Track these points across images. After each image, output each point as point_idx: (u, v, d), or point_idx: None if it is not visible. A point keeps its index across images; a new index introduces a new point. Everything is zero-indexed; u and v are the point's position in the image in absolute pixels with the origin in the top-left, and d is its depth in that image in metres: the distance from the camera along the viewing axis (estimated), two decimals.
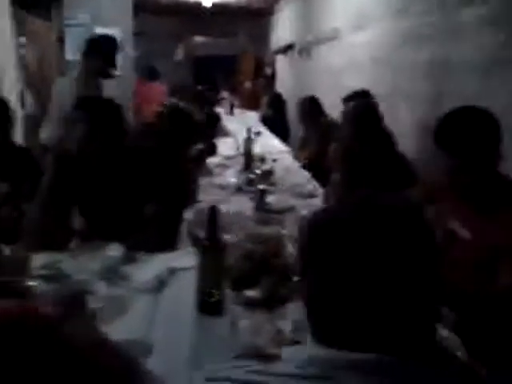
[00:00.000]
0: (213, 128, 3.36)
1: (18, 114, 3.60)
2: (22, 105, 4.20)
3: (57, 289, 1.46)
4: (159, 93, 6.24)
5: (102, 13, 5.41)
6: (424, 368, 0.60)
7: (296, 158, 3.88)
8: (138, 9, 5.67)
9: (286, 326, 1.26)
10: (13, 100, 3.52)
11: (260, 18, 9.63)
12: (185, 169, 2.86)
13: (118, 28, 5.43)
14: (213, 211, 1.33)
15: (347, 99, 3.14)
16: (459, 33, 2.87)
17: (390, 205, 0.66)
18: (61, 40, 5.58)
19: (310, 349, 0.67)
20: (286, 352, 0.72)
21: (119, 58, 3.68)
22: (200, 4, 8.32)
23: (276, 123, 6.42)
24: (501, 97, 2.48)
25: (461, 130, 1.54)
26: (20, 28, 4.22)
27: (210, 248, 1.34)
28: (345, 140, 2.56)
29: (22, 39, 4.73)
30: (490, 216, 1.54)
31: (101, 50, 3.16)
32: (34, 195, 1.85)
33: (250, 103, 7.82)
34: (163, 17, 9.17)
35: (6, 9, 3.48)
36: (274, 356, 1.04)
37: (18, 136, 3.51)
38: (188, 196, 2.45)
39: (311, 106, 3.89)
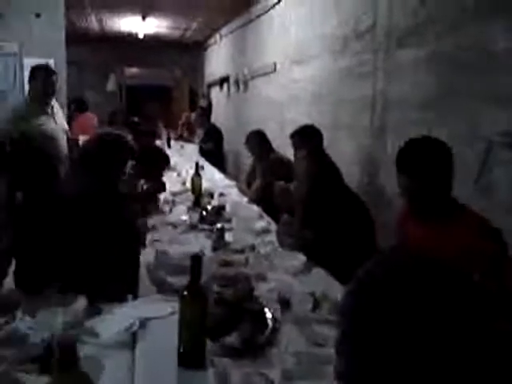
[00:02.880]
0: (162, 167, 3.29)
1: None
2: None
3: (14, 354, 1.33)
4: (91, 124, 6.13)
5: (32, 42, 5.19)
6: None
7: (242, 191, 3.88)
8: (69, 38, 5.48)
9: (275, 375, 1.23)
10: None
11: (194, 51, 9.70)
12: (132, 207, 2.76)
13: (50, 58, 5.23)
14: (195, 259, 1.29)
15: (295, 134, 3.20)
16: (396, 71, 3.07)
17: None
18: None
19: None
20: None
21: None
22: (132, 35, 8.26)
23: (214, 155, 6.42)
24: (436, 128, 2.67)
25: (419, 154, 1.70)
26: None
27: (194, 298, 1.28)
28: (302, 183, 2.56)
29: None
30: (447, 232, 1.63)
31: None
32: None
33: (187, 135, 7.78)
34: (94, 47, 8.97)
35: None
36: None
37: None
38: (139, 236, 2.36)
39: (262, 140, 3.95)
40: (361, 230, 2.32)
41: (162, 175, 3.47)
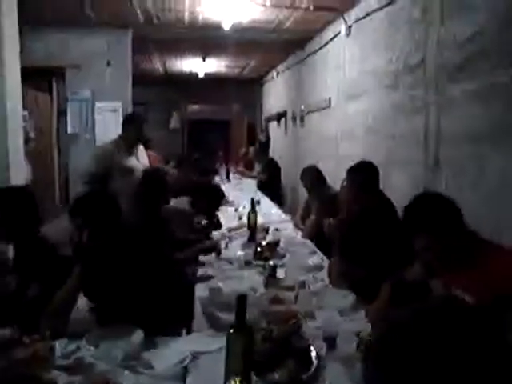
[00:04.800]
0: (217, 203, 3.45)
1: (22, 182, 3.79)
2: None
3: (80, 380, 1.47)
4: (153, 161, 6.46)
5: (102, 87, 5.64)
6: None
7: (297, 226, 3.95)
8: (135, 79, 5.93)
9: None
10: (18, 169, 3.65)
11: (252, 87, 10.03)
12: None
13: (118, 101, 5.66)
14: (241, 300, 1.37)
15: (352, 170, 3.24)
16: (448, 106, 3.06)
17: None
18: (62, 113, 5.76)
19: None
20: None
21: None
22: (193, 74, 8.70)
23: (271, 188, 6.54)
24: (491, 163, 2.64)
25: (418, 215, 1.80)
26: None
27: (239, 336, 1.36)
28: (343, 212, 2.64)
29: (24, 112, 4.89)
30: (474, 272, 1.65)
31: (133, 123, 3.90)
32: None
33: (245, 169, 7.99)
34: (158, 87, 9.54)
35: (18, 87, 3.66)
36: None
37: None
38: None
39: (316, 176, 4.01)
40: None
41: (216, 212, 3.61)
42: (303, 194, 6.39)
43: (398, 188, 3.67)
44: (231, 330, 1.37)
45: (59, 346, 1.67)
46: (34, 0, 4.36)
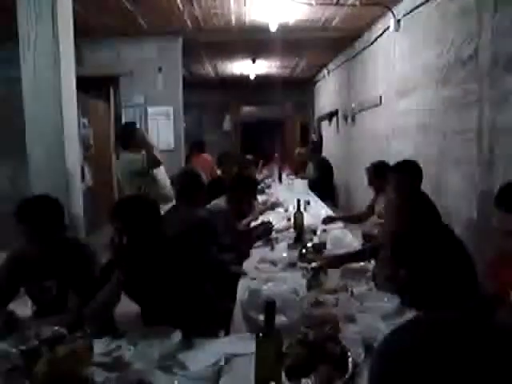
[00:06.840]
0: (250, 192, 3.42)
1: (79, 187, 3.97)
2: (82, 179, 4.52)
3: (117, 378, 1.51)
4: (208, 163, 6.58)
5: (154, 93, 5.80)
6: None
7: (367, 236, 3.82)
8: (188, 83, 6.06)
9: None
10: (75, 174, 3.82)
11: (303, 86, 9.97)
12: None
13: (169, 106, 5.81)
14: (270, 306, 1.35)
15: (393, 169, 3.14)
16: (505, 99, 2.89)
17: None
18: (118, 119, 5.98)
19: None
20: None
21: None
22: (244, 76, 8.77)
23: (323, 188, 6.46)
24: None
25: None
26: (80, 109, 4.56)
27: (268, 341, 1.35)
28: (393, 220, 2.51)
29: (84, 120, 5.15)
30: None
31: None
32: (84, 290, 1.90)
33: (299, 169, 7.94)
34: (211, 89, 9.70)
35: (73, 97, 3.83)
36: None
37: (78, 207, 3.76)
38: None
39: (376, 173, 3.84)
40: (460, 271, 2.18)
41: (252, 202, 3.58)
42: (356, 192, 6.27)
43: (451, 186, 3.52)
44: (260, 335, 1.36)
45: (101, 343, 1.73)
46: (88, 13, 4.56)
